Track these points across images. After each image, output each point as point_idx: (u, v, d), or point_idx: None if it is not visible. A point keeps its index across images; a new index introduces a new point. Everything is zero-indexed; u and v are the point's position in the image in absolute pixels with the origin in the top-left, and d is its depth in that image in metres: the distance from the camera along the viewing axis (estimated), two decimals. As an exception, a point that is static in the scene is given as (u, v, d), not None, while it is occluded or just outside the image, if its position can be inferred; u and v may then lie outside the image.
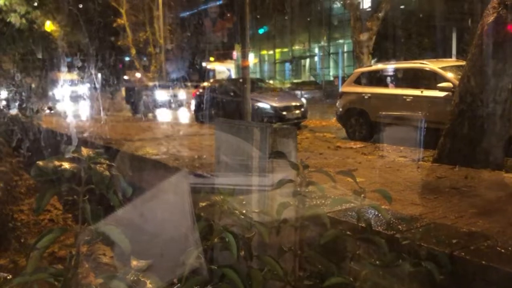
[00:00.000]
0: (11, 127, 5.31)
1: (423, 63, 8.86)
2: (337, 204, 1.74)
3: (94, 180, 1.04)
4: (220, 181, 1.48)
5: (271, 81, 24.95)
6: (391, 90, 9.08)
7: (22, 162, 6.67)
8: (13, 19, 15.90)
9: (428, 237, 2.61)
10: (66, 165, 1.02)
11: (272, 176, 1.79)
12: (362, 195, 1.65)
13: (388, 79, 9.42)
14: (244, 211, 1.43)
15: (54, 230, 1.05)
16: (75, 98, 29.11)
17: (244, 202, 1.43)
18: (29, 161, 6.82)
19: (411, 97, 8.48)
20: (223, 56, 38.47)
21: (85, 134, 9.33)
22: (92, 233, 1.10)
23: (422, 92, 8.31)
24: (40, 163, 1.00)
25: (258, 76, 33.70)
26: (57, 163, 1.02)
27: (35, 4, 16.90)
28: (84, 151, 1.11)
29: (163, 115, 17.84)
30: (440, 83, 7.95)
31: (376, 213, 2.38)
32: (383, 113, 8.93)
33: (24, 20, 16.45)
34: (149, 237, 1.18)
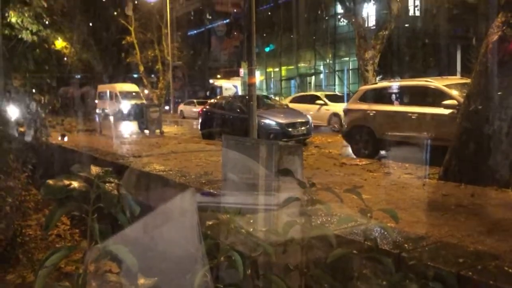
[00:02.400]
0: (21, 143, 5.38)
1: (428, 81, 8.89)
2: (344, 222, 1.74)
3: (103, 199, 1.05)
4: (227, 199, 1.49)
5: (277, 98, 25.06)
6: (396, 108, 9.10)
7: (30, 177, 6.71)
8: (25, 36, 16.18)
9: (435, 256, 2.59)
10: (75, 184, 1.05)
11: (279, 194, 1.80)
12: (369, 214, 1.65)
13: (393, 96, 9.46)
14: (250, 230, 1.44)
15: (63, 248, 1.07)
16: (84, 113, 29.42)
17: (251, 221, 1.44)
18: (37, 176, 6.87)
19: (416, 115, 8.49)
20: (230, 73, 38.79)
21: (91, 149, 9.39)
22: (100, 251, 1.11)
23: (427, 109, 8.34)
24: (50, 182, 1.02)
25: (264, 93, 33.86)
26: (66, 182, 1.04)
27: (47, 22, 17.19)
28: (93, 169, 1.13)
29: (170, 131, 17.94)
30: (445, 100, 7.97)
31: (383, 232, 2.37)
32: (388, 130, 8.94)
33: (35, 38, 16.73)
34: (156, 255, 1.20)
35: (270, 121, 12.43)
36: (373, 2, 19.05)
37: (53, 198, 1.00)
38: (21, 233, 5.18)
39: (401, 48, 20.83)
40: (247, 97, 11.71)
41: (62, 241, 6.20)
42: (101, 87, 36.94)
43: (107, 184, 1.08)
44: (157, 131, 16.00)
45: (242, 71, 31.36)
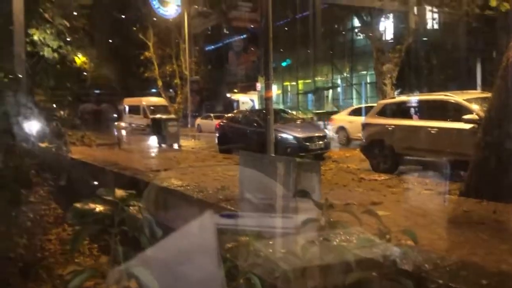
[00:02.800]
0: (42, 158, 5.48)
1: (447, 95, 8.81)
2: (362, 243, 1.73)
3: (127, 222, 1.08)
4: (246, 221, 1.50)
5: (294, 112, 25.08)
6: (415, 122, 9.03)
7: (50, 191, 6.81)
8: (46, 53, 16.62)
9: (456, 277, 2.54)
10: (100, 207, 1.08)
11: (297, 214, 1.80)
12: (387, 236, 1.64)
13: (412, 111, 9.39)
14: (269, 252, 1.45)
15: (87, 270, 1.09)
16: (104, 128, 29.82)
17: (269, 243, 1.45)
18: (56, 190, 6.97)
19: (435, 129, 8.40)
20: (247, 87, 39.03)
21: (110, 164, 9.51)
22: (122, 273, 1.13)
23: (447, 124, 8.25)
24: (78, 205, 1.05)
25: (281, 106, 33.93)
26: (92, 205, 1.07)
27: (68, 39, 17.62)
28: (118, 193, 1.16)
29: (187, 146, 18.08)
30: (465, 115, 7.88)
31: (403, 252, 2.34)
32: (408, 145, 8.86)
33: (56, 54, 17.17)
34: (176, 277, 1.21)
35: (288, 135, 12.44)
36: (391, 16, 19.03)
37: (79, 221, 1.03)
38: (41, 248, 5.26)
39: (420, 61, 20.68)
40: (264, 111, 11.77)
41: (81, 256, 6.26)
42: (127, 101, 36.52)
43: (130, 207, 1.11)
44: (175, 145, 16.14)
45: (259, 85, 31.51)
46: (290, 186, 2.92)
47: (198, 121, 34.22)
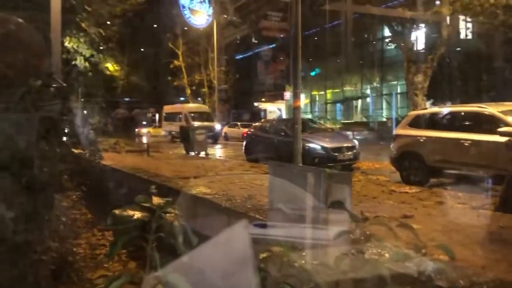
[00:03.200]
0: (74, 164, 5.62)
1: (481, 107, 8.58)
2: (397, 257, 1.69)
3: (165, 229, 1.09)
4: (278, 231, 1.49)
5: (322, 122, 24.91)
6: (448, 134, 8.82)
7: (81, 196, 6.96)
8: (79, 61, 17.13)
9: (494, 295, 2.45)
10: (137, 214, 1.09)
11: (330, 226, 1.77)
12: (423, 250, 1.59)
13: (445, 122, 9.19)
14: (302, 263, 1.43)
15: (123, 275, 1.10)
16: (134, 134, 30.27)
17: (303, 254, 1.43)
18: (86, 196, 7.12)
19: (469, 142, 8.19)
20: (274, 96, 39.13)
21: (139, 170, 9.65)
22: (158, 280, 1.13)
23: (481, 137, 8.03)
24: (116, 212, 1.07)
25: (309, 116, 33.79)
26: (130, 212, 1.08)
27: (101, 47, 18.14)
28: (155, 200, 1.17)
29: (214, 154, 18.20)
30: (500, 127, 7.65)
31: (437, 267, 2.28)
32: (440, 157, 8.66)
33: (87, 63, 17.69)
34: (211, 285, 1.21)
35: (315, 145, 12.34)
36: (422, 25, 18.74)
37: (118, 227, 1.05)
38: (72, 252, 5.36)
39: (452, 72, 20.27)
40: (291, 120, 11.74)
41: (110, 261, 6.35)
42: (168, 108, 35.57)
43: (167, 214, 1.12)
44: (202, 153, 16.28)
45: (287, 94, 31.53)
46: (320, 197, 2.88)
47: (225, 129, 34.46)
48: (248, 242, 1.25)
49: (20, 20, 1.16)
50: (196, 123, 29.60)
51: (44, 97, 3.27)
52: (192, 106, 34.28)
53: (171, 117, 33.36)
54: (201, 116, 30.75)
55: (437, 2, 16.38)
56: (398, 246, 1.89)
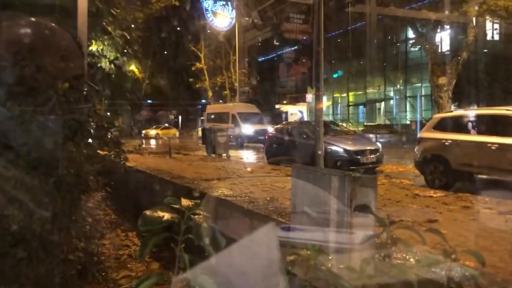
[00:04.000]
0: (100, 165, 5.72)
1: (509, 110, 8.38)
2: (425, 263, 1.67)
3: (194, 231, 1.10)
4: (304, 234, 1.48)
5: (344, 124, 24.63)
6: (474, 137, 8.64)
7: (105, 197, 7.08)
8: (103, 64, 17.42)
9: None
10: (167, 215, 1.11)
11: (356, 230, 1.76)
12: (452, 255, 1.57)
13: (471, 125, 9.00)
14: (329, 266, 1.43)
15: (152, 276, 1.12)
16: (158, 137, 30.39)
17: (329, 257, 1.43)
18: (111, 196, 7.23)
19: (496, 145, 8.00)
20: (296, 98, 39.03)
21: (162, 172, 9.75)
22: (187, 281, 1.15)
23: (508, 140, 7.84)
24: (147, 213, 1.09)
25: (331, 118, 33.56)
26: (160, 213, 1.10)
27: (125, 50, 18.42)
28: (184, 202, 1.19)
29: (235, 155, 18.25)
30: (529, 131, 7.47)
31: (466, 274, 2.23)
32: (466, 161, 8.49)
33: (112, 65, 17.96)
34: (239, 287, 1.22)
35: (338, 148, 12.25)
36: (447, 27, 18.43)
37: (149, 228, 1.06)
38: (98, 252, 5.46)
39: (478, 74, 19.84)
40: (313, 122, 11.69)
41: (133, 262, 6.45)
42: (212, 108, 31.97)
43: (196, 216, 1.13)
44: (224, 155, 16.34)
45: (308, 96, 31.36)
46: (345, 201, 2.86)
47: (246, 131, 34.44)
48: (276, 245, 1.25)
49: (52, 24, 1.19)
50: (247, 126, 26.10)
51: (72, 99, 3.34)
52: (241, 105, 30.36)
53: (217, 118, 29.12)
54: (252, 117, 27.26)
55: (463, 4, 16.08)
56: (425, 251, 1.86)
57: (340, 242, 1.58)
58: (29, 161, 3.20)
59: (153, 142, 30.76)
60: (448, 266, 1.73)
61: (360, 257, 1.62)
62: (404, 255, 1.70)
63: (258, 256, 1.21)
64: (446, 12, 15.65)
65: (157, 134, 37.12)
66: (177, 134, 35.54)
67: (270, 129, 24.68)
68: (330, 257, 1.51)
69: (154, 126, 38.40)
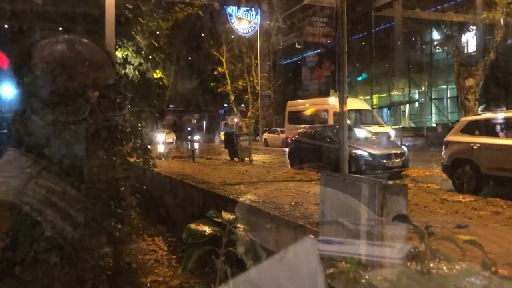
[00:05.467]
0: (129, 172, 5.81)
1: (541, 112, 8.16)
2: (464, 275, 1.63)
3: (237, 244, 1.11)
4: (342, 246, 1.47)
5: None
6: (504, 141, 8.44)
7: (134, 203, 7.18)
8: (128, 71, 17.68)
9: None
10: (210, 229, 1.12)
11: (390, 240, 1.74)
12: (493, 268, 1.53)
13: (500, 128, 8.78)
14: (368, 278, 1.41)
15: (196, 287, 1.13)
16: (182, 141, 30.52)
17: (368, 269, 1.41)
18: (138, 202, 7.34)
19: (527, 149, 7.80)
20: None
21: (187, 177, 9.84)
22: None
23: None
24: (192, 226, 1.11)
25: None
26: (203, 227, 1.12)
27: (149, 56, 18.65)
28: (224, 215, 1.20)
29: (258, 160, 18.28)
30: (563, 134, 7.25)
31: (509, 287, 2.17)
32: (495, 165, 8.29)
33: (136, 72, 18.21)
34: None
35: (363, 152, 12.12)
36: (474, 28, 18.07)
37: (193, 241, 1.08)
38: (127, 258, 5.54)
39: (507, 76, 19.37)
40: (337, 126, 11.58)
41: (160, 267, 6.53)
42: (292, 105, 25.16)
43: (237, 229, 1.14)
44: (246, 159, 16.38)
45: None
46: (376, 209, 2.83)
47: (265, 135, 34.49)
48: (317, 257, 1.25)
49: (84, 39, 1.23)
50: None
51: (103, 107, 3.41)
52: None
53: (304, 118, 22.85)
54: (361, 116, 21.08)
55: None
56: (464, 261, 1.82)
57: (378, 254, 1.57)
58: (61, 168, 3.26)
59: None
60: (488, 278, 1.69)
61: (398, 269, 1.59)
62: (443, 267, 1.66)
63: (299, 269, 1.21)
64: (473, 14, 15.37)
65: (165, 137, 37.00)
66: (175, 137, 35.31)
67: (392, 132, 19.87)
68: (368, 269, 1.50)
69: (161, 131, 38.41)
